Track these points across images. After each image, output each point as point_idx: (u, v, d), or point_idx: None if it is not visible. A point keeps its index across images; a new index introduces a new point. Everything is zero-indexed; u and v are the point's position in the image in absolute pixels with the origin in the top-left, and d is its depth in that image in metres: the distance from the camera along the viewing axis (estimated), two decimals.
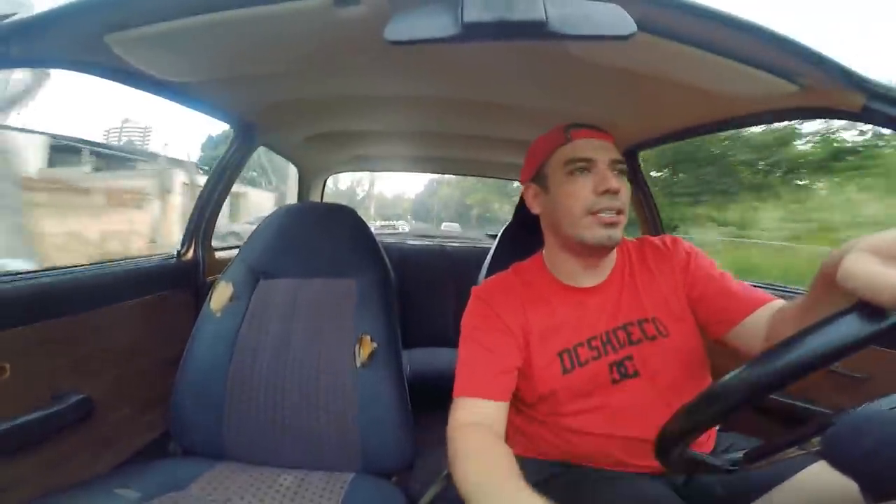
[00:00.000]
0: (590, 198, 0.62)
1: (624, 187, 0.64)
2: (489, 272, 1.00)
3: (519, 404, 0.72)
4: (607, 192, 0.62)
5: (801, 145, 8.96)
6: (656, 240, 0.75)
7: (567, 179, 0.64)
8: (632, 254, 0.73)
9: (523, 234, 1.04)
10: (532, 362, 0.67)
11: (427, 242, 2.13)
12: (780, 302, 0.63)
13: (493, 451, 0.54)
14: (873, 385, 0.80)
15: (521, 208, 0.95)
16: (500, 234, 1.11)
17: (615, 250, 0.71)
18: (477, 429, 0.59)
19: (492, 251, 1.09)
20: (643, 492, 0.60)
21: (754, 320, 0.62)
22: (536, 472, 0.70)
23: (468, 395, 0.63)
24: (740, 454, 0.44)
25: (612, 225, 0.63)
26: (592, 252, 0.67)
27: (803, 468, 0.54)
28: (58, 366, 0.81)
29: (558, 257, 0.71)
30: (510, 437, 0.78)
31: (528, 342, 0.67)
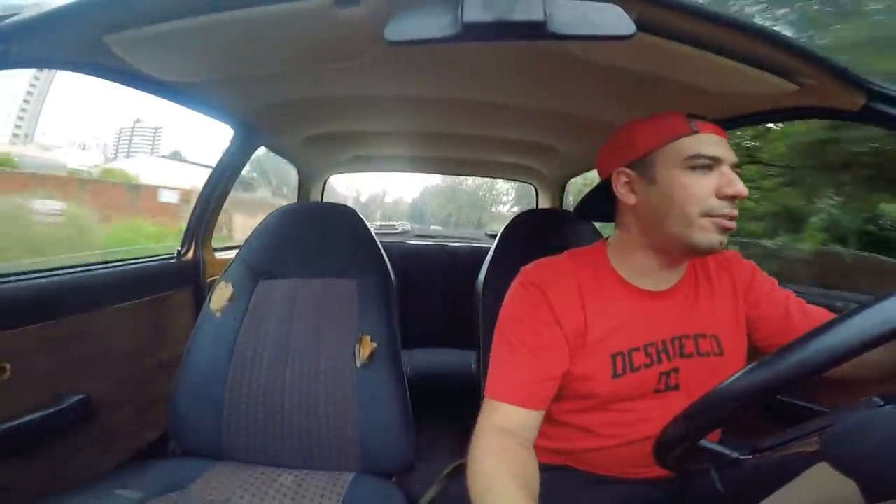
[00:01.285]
0: (710, 199, 0.57)
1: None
2: (489, 272, 1.00)
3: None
4: (734, 196, 0.57)
5: None
6: (717, 255, 0.70)
7: (686, 174, 0.58)
8: (696, 267, 0.69)
9: (523, 234, 1.04)
10: (581, 361, 0.62)
11: (427, 242, 2.13)
12: None
13: (511, 467, 0.51)
14: (873, 385, 0.80)
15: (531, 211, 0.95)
16: (499, 234, 1.11)
17: (687, 260, 0.67)
18: (502, 438, 0.56)
19: (492, 251, 1.09)
20: (637, 497, 0.60)
21: None
22: None
23: (501, 400, 0.59)
24: (747, 450, 0.44)
25: (727, 231, 0.58)
26: (691, 254, 0.63)
27: (802, 471, 0.54)
28: (58, 366, 0.81)
29: (635, 254, 0.65)
30: None
31: (583, 341, 0.62)
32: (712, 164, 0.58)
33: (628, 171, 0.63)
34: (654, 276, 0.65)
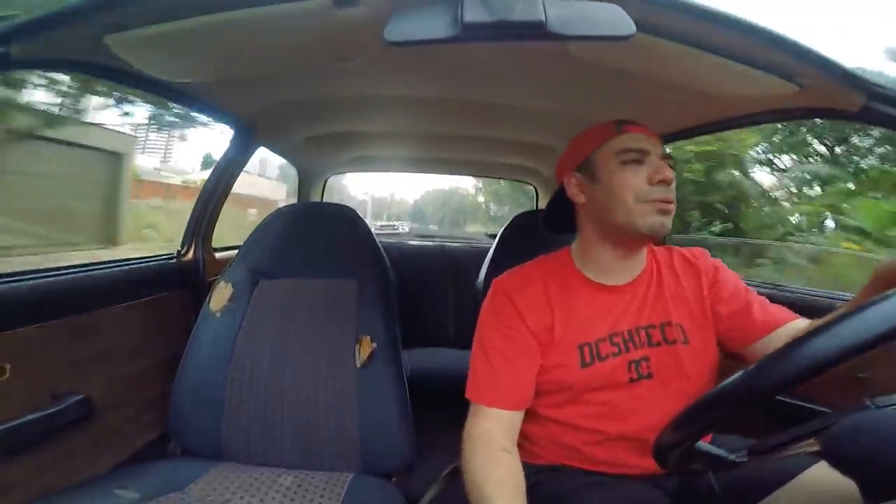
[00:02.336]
0: (644, 186, 0.63)
1: (674, 179, 0.65)
2: (489, 272, 1.00)
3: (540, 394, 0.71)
4: (662, 181, 0.63)
5: None
6: (684, 250, 0.77)
7: (620, 168, 0.64)
8: (659, 260, 0.74)
9: (523, 235, 1.04)
10: (552, 354, 0.66)
11: (427, 242, 2.13)
12: (802, 322, 0.66)
13: (496, 472, 0.57)
14: (873, 385, 0.80)
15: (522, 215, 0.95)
16: (499, 235, 1.11)
17: (645, 252, 0.72)
18: (486, 445, 0.61)
19: (491, 251, 1.09)
20: (634, 496, 0.60)
21: (773, 339, 0.65)
22: (526, 476, 0.70)
23: (487, 404, 0.64)
24: (744, 452, 0.44)
25: (665, 213, 0.63)
26: (640, 241, 0.68)
27: (802, 471, 0.54)
28: (58, 366, 0.81)
29: (594, 249, 0.70)
30: None
31: (551, 336, 0.67)
32: (641, 157, 0.64)
33: (576, 174, 0.70)
34: (614, 270, 0.70)
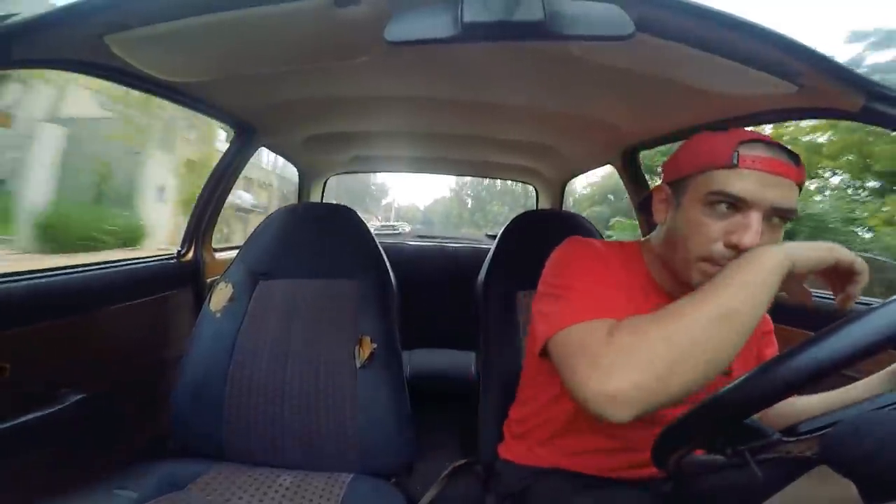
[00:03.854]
0: (714, 245, 0.51)
1: (774, 239, 0.52)
2: (489, 272, 1.00)
3: (540, 393, 0.70)
4: (737, 246, 0.50)
5: None
6: None
7: (703, 211, 0.53)
8: None
9: (524, 235, 1.04)
10: None
11: (427, 243, 2.13)
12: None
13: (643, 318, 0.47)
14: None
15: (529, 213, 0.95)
16: (499, 235, 1.11)
17: None
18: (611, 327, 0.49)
19: (491, 251, 1.09)
20: (626, 500, 0.60)
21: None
22: (522, 478, 0.70)
23: (604, 317, 0.51)
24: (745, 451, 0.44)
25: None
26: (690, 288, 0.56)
27: (802, 473, 0.54)
28: (58, 366, 0.81)
29: (661, 267, 0.63)
30: (505, 442, 0.78)
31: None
32: (739, 205, 0.50)
33: (666, 188, 0.60)
34: (683, 292, 0.61)
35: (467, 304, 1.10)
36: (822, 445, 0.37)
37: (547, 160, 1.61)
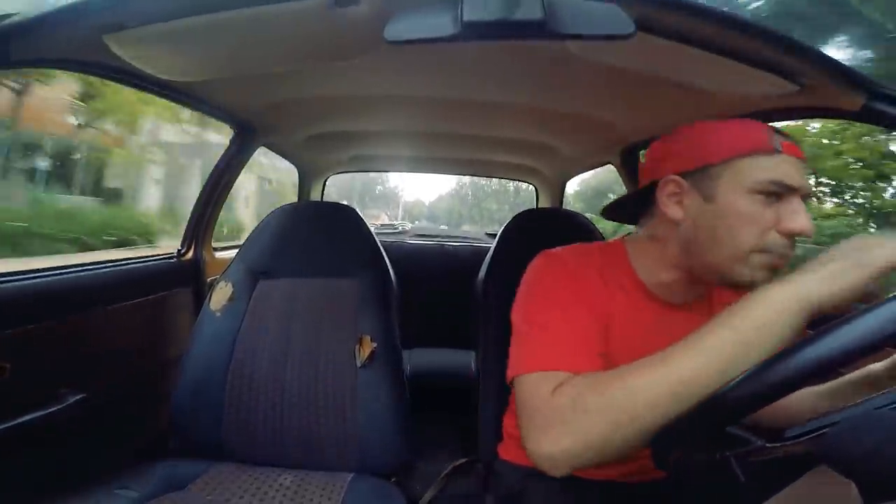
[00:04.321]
0: (770, 234, 0.49)
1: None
2: (489, 272, 1.00)
3: None
4: (795, 233, 0.48)
5: None
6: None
7: (753, 200, 0.49)
8: (716, 292, 0.64)
9: (523, 234, 1.03)
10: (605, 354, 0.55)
11: (427, 242, 2.13)
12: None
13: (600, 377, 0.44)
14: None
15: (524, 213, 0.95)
16: (499, 234, 1.11)
17: None
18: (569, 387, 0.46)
19: (491, 251, 1.09)
20: (618, 499, 0.60)
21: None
22: (521, 478, 0.70)
23: (555, 369, 0.49)
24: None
25: (775, 272, 0.50)
26: (724, 286, 0.55)
27: (801, 472, 0.54)
28: (58, 366, 0.81)
29: (664, 270, 0.59)
30: (504, 442, 0.78)
31: (608, 332, 0.56)
32: (782, 192, 0.49)
33: (681, 180, 0.53)
34: (676, 291, 0.60)
35: (467, 303, 1.10)
36: (822, 444, 0.37)
37: (546, 159, 1.61)
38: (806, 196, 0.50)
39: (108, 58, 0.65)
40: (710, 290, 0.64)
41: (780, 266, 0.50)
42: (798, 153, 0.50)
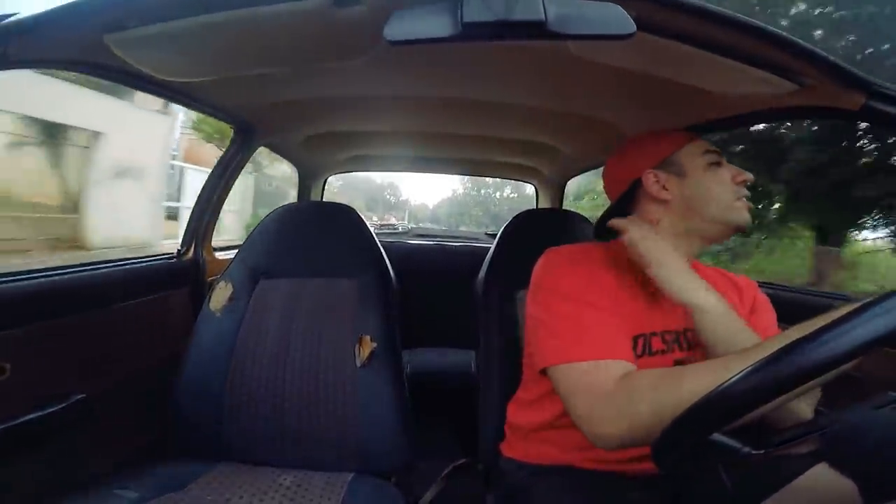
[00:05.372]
0: (733, 185, 0.68)
1: None
2: (489, 271, 1.00)
3: (539, 389, 0.70)
4: (745, 181, 0.68)
5: None
6: (732, 274, 0.79)
7: (711, 168, 0.68)
8: (708, 273, 0.75)
9: (523, 234, 1.04)
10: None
11: (427, 242, 2.13)
12: None
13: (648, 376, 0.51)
14: (872, 385, 0.80)
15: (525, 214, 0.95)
16: (499, 234, 1.11)
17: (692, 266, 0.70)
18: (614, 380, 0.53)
19: (491, 251, 1.09)
20: (633, 499, 0.60)
21: None
22: (523, 476, 0.70)
23: (604, 358, 0.56)
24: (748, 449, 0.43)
25: (749, 210, 0.68)
26: (726, 234, 0.70)
27: (802, 472, 0.54)
28: (58, 366, 0.81)
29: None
30: (507, 440, 0.78)
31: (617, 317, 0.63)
32: (720, 160, 0.69)
33: (658, 171, 0.70)
34: None
35: (467, 303, 1.10)
36: (823, 444, 0.37)
37: (547, 159, 1.61)
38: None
39: (109, 58, 0.65)
40: (704, 277, 0.68)
41: (749, 206, 0.68)
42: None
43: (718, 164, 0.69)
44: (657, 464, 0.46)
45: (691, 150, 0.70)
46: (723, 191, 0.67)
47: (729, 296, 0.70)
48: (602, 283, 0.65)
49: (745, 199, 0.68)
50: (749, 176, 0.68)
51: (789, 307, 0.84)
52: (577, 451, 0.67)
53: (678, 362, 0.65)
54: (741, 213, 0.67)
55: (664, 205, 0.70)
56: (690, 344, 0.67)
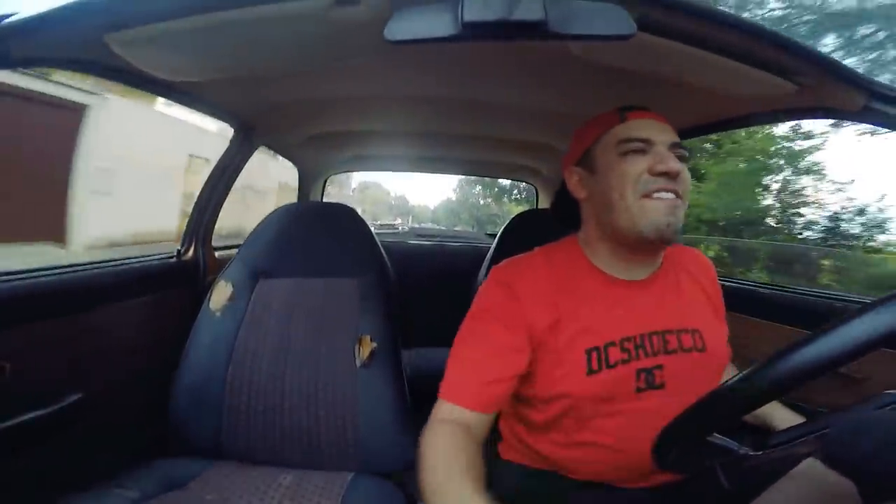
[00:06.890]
0: (643, 177, 0.56)
1: (685, 172, 0.58)
2: (489, 270, 1.00)
3: (522, 406, 0.68)
4: (665, 173, 0.55)
5: None
6: (690, 250, 0.73)
7: (620, 160, 0.59)
8: (674, 260, 0.68)
9: (523, 234, 1.04)
10: (551, 359, 0.60)
11: (427, 242, 2.13)
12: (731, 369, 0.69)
13: (458, 457, 0.52)
14: (872, 385, 0.80)
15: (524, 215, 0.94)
16: (499, 234, 1.11)
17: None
18: (451, 428, 0.56)
19: (491, 251, 1.09)
20: (625, 500, 0.60)
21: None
22: (520, 478, 0.70)
23: (451, 401, 0.59)
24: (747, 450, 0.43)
25: (671, 211, 0.56)
26: (644, 245, 0.60)
27: (801, 473, 0.54)
28: (58, 366, 0.81)
29: (599, 246, 0.64)
30: (504, 442, 0.78)
31: (555, 337, 0.60)
32: (644, 147, 0.58)
33: (577, 168, 0.66)
34: (625, 265, 0.64)
35: (467, 303, 1.10)
36: (822, 445, 0.37)
37: (546, 159, 1.61)
38: (675, 146, 0.59)
39: (109, 58, 0.65)
40: (668, 261, 0.67)
41: (674, 204, 0.57)
42: (644, 115, 0.62)
43: (642, 151, 0.57)
44: (658, 461, 0.46)
45: (608, 138, 0.61)
46: (624, 185, 0.56)
47: (702, 277, 0.70)
48: (526, 307, 0.60)
49: (666, 196, 0.55)
50: (671, 165, 0.55)
51: (788, 308, 0.84)
52: (567, 461, 0.66)
53: (642, 371, 0.59)
54: (648, 217, 0.55)
55: (586, 204, 0.65)
56: (657, 350, 0.60)
